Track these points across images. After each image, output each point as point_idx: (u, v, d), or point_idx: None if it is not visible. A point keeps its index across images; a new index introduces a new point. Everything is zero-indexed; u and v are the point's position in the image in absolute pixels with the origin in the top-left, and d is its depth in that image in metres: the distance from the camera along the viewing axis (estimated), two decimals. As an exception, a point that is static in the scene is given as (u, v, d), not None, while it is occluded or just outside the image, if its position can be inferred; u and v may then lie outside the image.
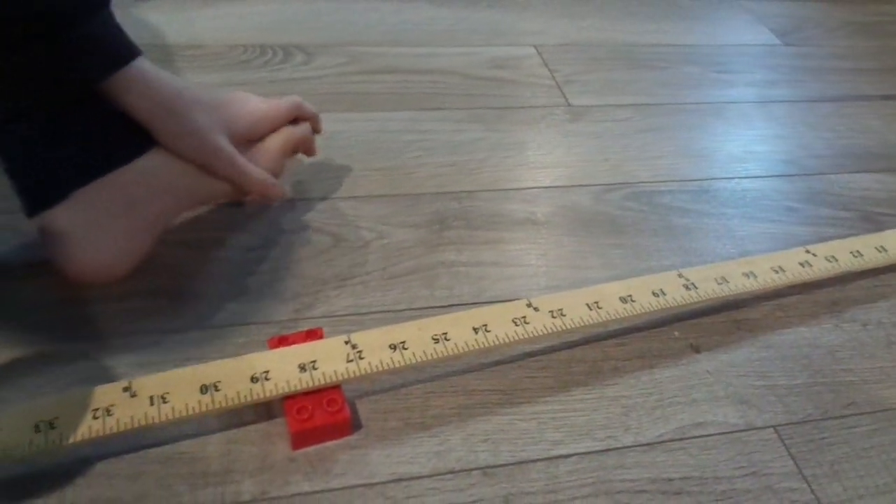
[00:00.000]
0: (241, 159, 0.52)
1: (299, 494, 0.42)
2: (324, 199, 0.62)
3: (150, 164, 0.49)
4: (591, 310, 0.51)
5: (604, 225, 0.64)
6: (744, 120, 0.82)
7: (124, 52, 0.47)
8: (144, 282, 0.53)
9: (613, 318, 0.51)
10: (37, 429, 0.40)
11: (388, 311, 0.53)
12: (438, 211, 0.63)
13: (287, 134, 0.57)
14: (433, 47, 0.87)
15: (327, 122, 0.72)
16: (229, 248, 0.57)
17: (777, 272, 0.56)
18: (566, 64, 0.88)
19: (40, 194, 0.48)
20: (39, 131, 0.47)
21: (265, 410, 0.45)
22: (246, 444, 0.44)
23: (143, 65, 0.47)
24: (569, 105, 0.80)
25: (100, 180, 0.48)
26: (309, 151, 0.62)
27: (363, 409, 0.46)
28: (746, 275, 0.56)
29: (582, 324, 0.50)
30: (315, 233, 0.59)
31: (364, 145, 0.69)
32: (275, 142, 0.56)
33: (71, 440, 0.39)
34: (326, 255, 0.57)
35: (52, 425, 0.40)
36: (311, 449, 0.44)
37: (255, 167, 0.53)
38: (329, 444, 0.44)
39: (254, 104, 0.55)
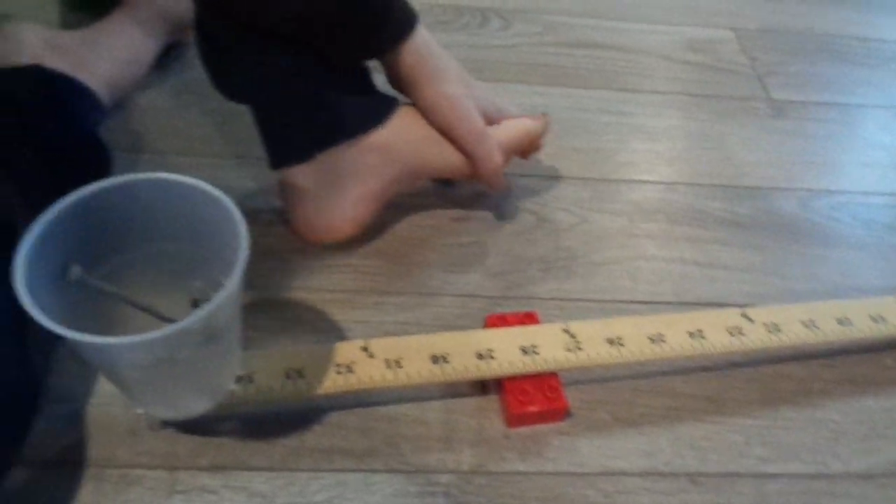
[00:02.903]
0: (491, 139, 0.53)
1: (515, 473, 0.43)
2: (525, 175, 0.63)
3: (388, 134, 0.51)
4: (806, 328, 0.50)
5: (809, 234, 0.62)
6: (962, 133, 0.76)
7: (411, 17, 0.48)
8: (363, 241, 0.55)
9: (830, 339, 0.50)
10: (287, 376, 0.43)
11: (593, 301, 0.54)
12: (638, 200, 0.63)
13: (524, 130, 0.56)
14: (629, 22, 0.85)
15: (525, 94, 0.72)
16: (436, 216, 0.58)
17: None
18: (766, 52, 0.83)
19: (285, 151, 0.51)
20: (292, 91, 0.49)
21: (479, 384, 0.47)
22: (463, 415, 0.46)
23: (420, 29, 0.49)
24: (770, 98, 0.76)
25: (342, 145, 0.50)
26: (536, 150, 0.60)
27: (572, 396, 0.47)
28: (972, 310, 0.53)
29: (798, 342, 0.49)
30: (518, 210, 0.60)
31: (562, 123, 0.69)
32: (511, 135, 0.55)
33: (318, 391, 0.42)
34: (530, 235, 0.58)
35: (300, 374, 0.43)
36: (523, 429, 0.45)
37: (498, 152, 0.53)
38: (541, 426, 0.46)
39: (501, 100, 0.56)
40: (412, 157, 0.52)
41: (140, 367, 0.33)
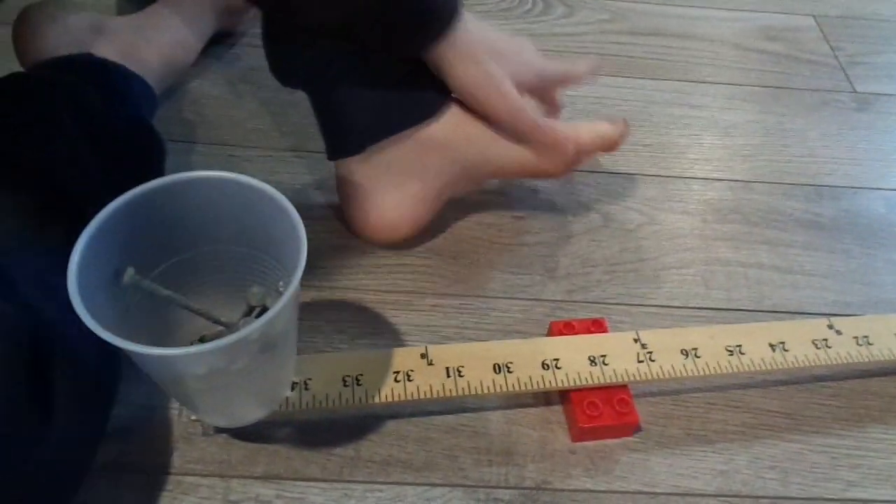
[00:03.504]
0: (542, 119, 0.49)
1: (582, 491, 0.41)
2: (591, 171, 0.60)
3: (447, 131, 0.48)
4: (901, 342, 0.46)
5: (898, 238, 0.57)
6: None
7: (449, 12, 0.45)
8: (420, 239, 0.53)
9: (927, 355, 0.46)
10: (345, 383, 0.41)
11: (663, 307, 0.51)
12: (711, 200, 0.59)
13: (599, 135, 0.52)
14: (700, 8, 0.80)
15: (590, 85, 0.69)
16: (497, 214, 0.56)
17: None
18: (850, 41, 0.78)
19: (340, 141, 0.49)
20: (346, 80, 0.47)
21: (542, 394, 0.45)
22: (525, 426, 0.44)
23: (461, 25, 0.46)
24: (854, 91, 0.71)
25: (395, 137, 0.48)
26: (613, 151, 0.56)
27: (642, 410, 0.44)
28: None
29: (891, 357, 0.45)
30: (583, 209, 0.57)
31: (630, 116, 0.65)
32: (584, 140, 0.51)
33: (376, 399, 0.41)
34: (596, 235, 0.55)
35: (358, 381, 0.41)
36: (590, 443, 0.43)
37: (560, 126, 0.50)
38: (608, 441, 0.43)
39: (529, 54, 0.52)
40: (474, 156, 0.49)
41: (194, 376, 0.32)
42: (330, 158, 0.50)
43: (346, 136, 0.49)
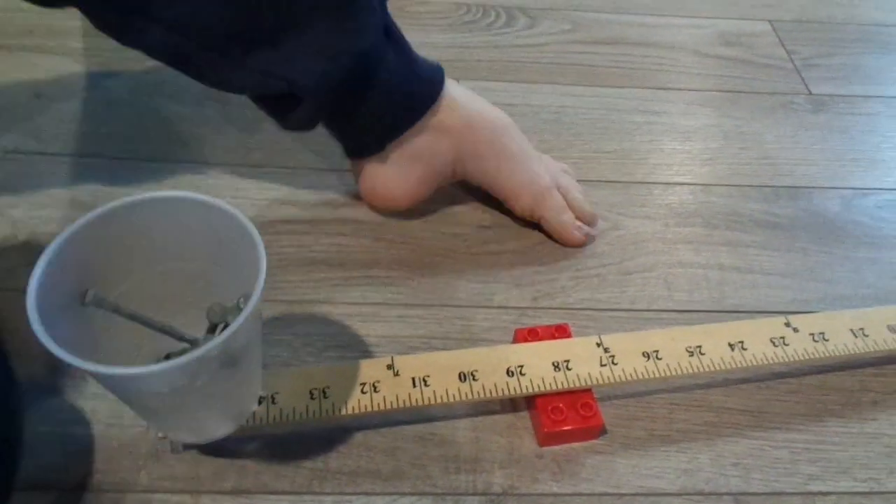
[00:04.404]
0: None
1: (549, 495, 0.42)
2: (555, 179, 0.61)
3: (446, 115, 0.52)
4: (856, 337, 0.47)
5: (854, 235, 0.59)
6: None
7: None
8: (387, 251, 0.54)
9: (882, 349, 0.47)
10: (311, 396, 0.42)
11: (627, 310, 0.52)
12: (673, 204, 0.60)
13: (565, 230, 0.55)
14: (659, 16, 0.82)
15: (553, 94, 0.70)
16: (463, 224, 0.57)
17: None
18: (805, 44, 0.80)
19: (360, 146, 0.53)
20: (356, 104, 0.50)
21: (509, 401, 0.45)
22: (493, 433, 0.44)
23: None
24: (809, 93, 0.73)
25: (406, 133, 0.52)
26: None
27: (607, 413, 0.45)
28: None
29: (846, 352, 0.47)
30: (547, 215, 0.58)
31: (592, 123, 0.67)
32: (554, 221, 0.55)
33: (343, 412, 0.41)
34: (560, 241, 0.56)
35: (325, 394, 0.42)
36: (557, 447, 0.44)
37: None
38: (574, 444, 0.44)
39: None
40: (469, 145, 0.54)
41: (157, 394, 0.32)
42: (350, 158, 0.55)
43: (365, 142, 0.53)
